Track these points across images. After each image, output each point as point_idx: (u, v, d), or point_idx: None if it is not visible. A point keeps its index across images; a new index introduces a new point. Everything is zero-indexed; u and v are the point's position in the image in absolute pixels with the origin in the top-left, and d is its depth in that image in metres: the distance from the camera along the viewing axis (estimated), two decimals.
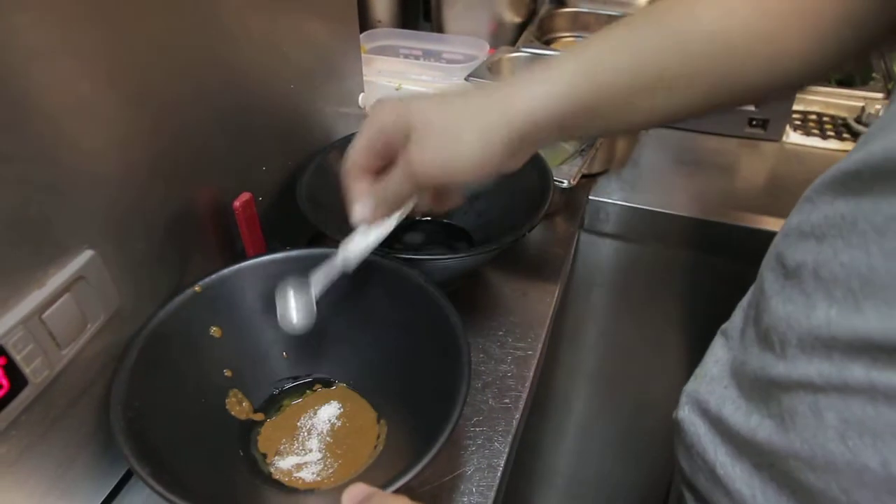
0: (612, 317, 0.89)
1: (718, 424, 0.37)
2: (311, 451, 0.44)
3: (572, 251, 0.69)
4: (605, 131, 0.42)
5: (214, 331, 0.45)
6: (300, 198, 0.54)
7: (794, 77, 0.36)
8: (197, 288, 0.45)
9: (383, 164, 0.40)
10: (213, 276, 0.46)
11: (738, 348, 0.39)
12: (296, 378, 0.49)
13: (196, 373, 0.44)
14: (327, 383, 0.48)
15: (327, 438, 0.45)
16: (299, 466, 0.43)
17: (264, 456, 0.44)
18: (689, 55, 0.36)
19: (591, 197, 0.77)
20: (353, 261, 0.43)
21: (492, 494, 0.44)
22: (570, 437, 1.08)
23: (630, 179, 0.80)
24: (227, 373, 0.45)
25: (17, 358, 0.32)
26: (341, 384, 0.48)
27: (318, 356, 0.49)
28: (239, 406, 0.45)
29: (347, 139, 0.63)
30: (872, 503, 0.27)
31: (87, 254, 0.37)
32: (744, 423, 0.35)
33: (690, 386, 0.42)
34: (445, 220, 0.65)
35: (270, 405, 0.47)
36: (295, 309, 0.44)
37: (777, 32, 0.35)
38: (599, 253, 0.83)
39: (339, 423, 0.46)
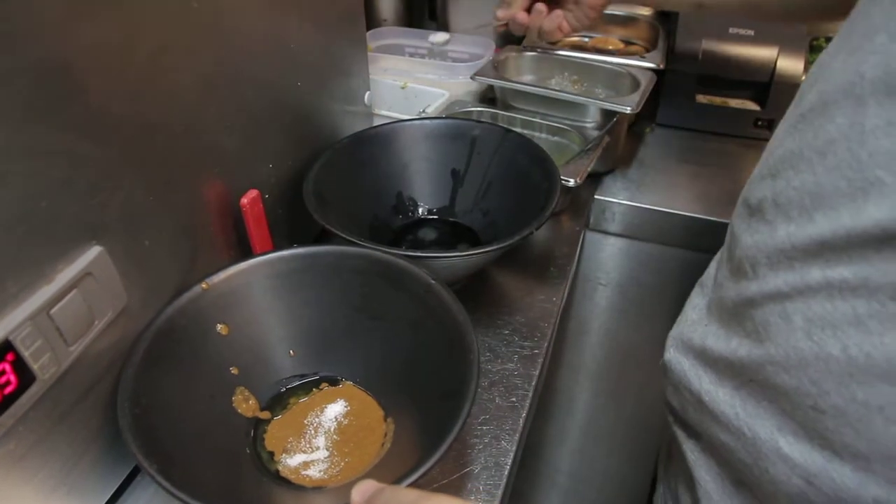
0: (617, 315, 0.89)
1: (702, 356, 0.41)
2: (318, 448, 0.44)
3: (578, 250, 0.69)
4: None
5: (221, 328, 0.45)
6: (307, 194, 0.54)
7: None
8: (204, 285, 0.45)
9: None
10: (221, 274, 0.46)
11: (712, 290, 0.44)
12: (302, 376, 0.48)
13: (203, 370, 0.44)
14: (334, 381, 0.48)
15: (334, 436, 0.45)
16: (306, 464, 0.43)
17: (271, 454, 0.43)
18: None
19: (596, 196, 0.77)
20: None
21: (499, 493, 0.44)
22: (573, 435, 1.08)
23: (635, 179, 0.80)
24: (234, 370, 0.45)
25: (26, 354, 0.32)
26: (348, 382, 0.48)
27: (325, 354, 0.49)
28: (245, 404, 0.45)
29: (354, 137, 0.63)
30: (837, 388, 0.31)
31: (95, 250, 0.36)
32: (725, 347, 0.39)
33: (674, 331, 0.47)
34: (452, 220, 0.65)
35: (277, 403, 0.47)
36: None
37: None
38: (605, 252, 0.83)
39: (346, 422, 0.46)
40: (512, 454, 0.46)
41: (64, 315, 0.35)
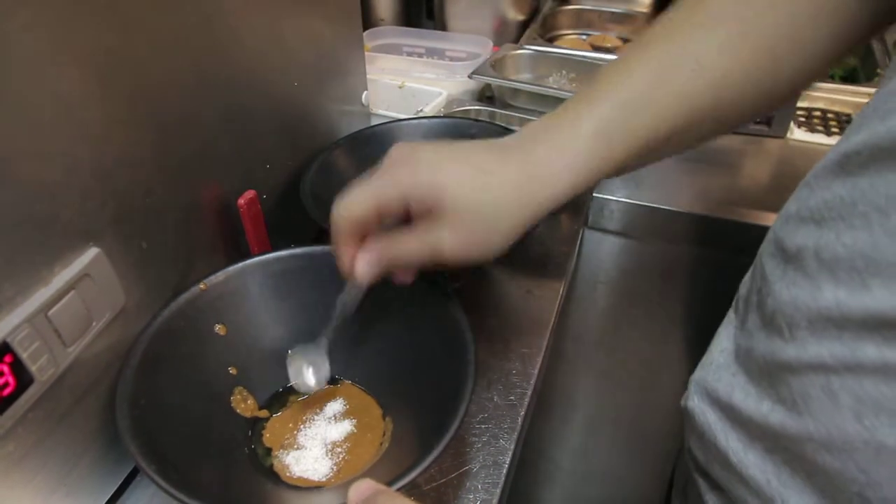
0: (617, 313, 0.89)
1: (729, 412, 0.37)
2: (316, 447, 0.44)
3: (576, 248, 0.69)
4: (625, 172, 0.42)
5: (219, 328, 0.45)
6: (304, 194, 0.54)
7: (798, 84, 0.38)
8: (202, 286, 0.45)
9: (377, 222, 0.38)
10: (219, 274, 0.46)
11: (741, 336, 0.39)
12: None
13: (201, 370, 0.44)
14: (332, 380, 0.48)
15: (333, 435, 0.45)
16: (305, 463, 0.43)
17: (269, 453, 0.44)
18: (696, 108, 0.37)
19: (594, 194, 0.77)
20: (350, 309, 0.42)
21: (497, 491, 0.44)
22: (574, 433, 1.08)
23: (634, 176, 0.80)
24: (232, 370, 0.45)
25: (24, 356, 0.32)
26: (346, 381, 0.48)
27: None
28: (244, 403, 0.45)
29: (351, 137, 0.63)
30: (891, 480, 0.28)
31: (93, 251, 0.37)
32: (755, 409, 0.34)
33: (698, 374, 0.42)
34: None
35: (275, 402, 0.47)
36: (311, 373, 0.46)
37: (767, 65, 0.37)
38: (603, 250, 0.83)
39: (344, 420, 0.46)
40: (510, 452, 0.47)
41: (62, 316, 0.35)
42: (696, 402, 0.41)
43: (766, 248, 0.37)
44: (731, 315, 0.43)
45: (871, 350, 0.28)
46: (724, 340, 0.41)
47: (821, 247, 0.31)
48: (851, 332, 0.28)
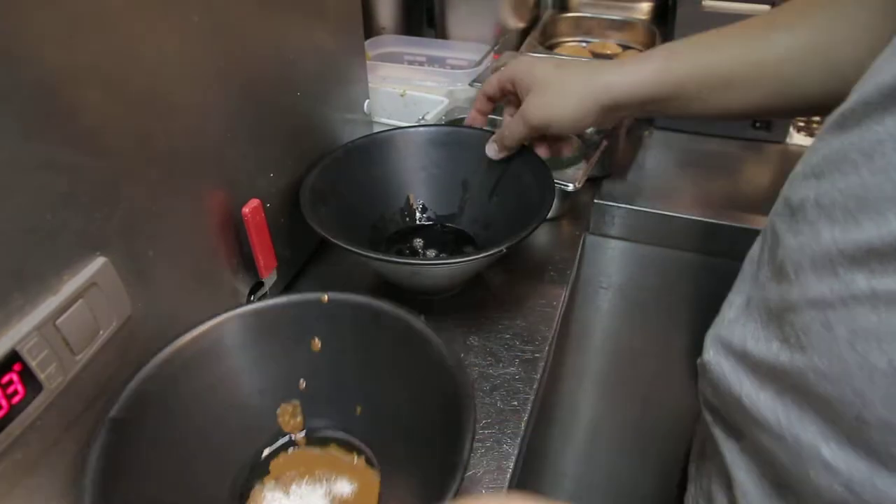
0: (619, 319, 0.89)
1: (742, 358, 0.40)
2: None
3: (578, 254, 0.70)
4: (683, 114, 0.53)
5: (197, 390, 0.42)
6: (304, 205, 0.54)
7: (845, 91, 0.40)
8: (179, 343, 0.42)
9: (499, 100, 0.61)
10: (196, 332, 0.43)
11: (753, 289, 0.42)
12: (284, 434, 0.46)
13: (178, 438, 0.41)
14: (323, 441, 0.46)
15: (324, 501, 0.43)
16: None
17: None
18: (758, 63, 0.48)
19: (596, 200, 0.77)
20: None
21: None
22: (577, 439, 1.08)
23: (635, 182, 0.81)
24: (213, 434, 0.42)
25: (33, 364, 0.33)
26: (333, 444, 0.46)
27: (312, 407, 0.47)
28: (227, 470, 0.43)
29: (348, 146, 0.63)
30: (883, 400, 0.30)
31: (100, 260, 0.37)
32: (766, 351, 0.38)
33: (712, 331, 0.46)
34: (451, 225, 0.66)
35: (261, 468, 0.45)
36: None
37: (832, 52, 0.45)
38: (605, 255, 0.83)
39: (337, 485, 0.43)
40: (514, 457, 0.47)
41: (70, 325, 0.35)
42: (711, 355, 0.44)
43: (775, 210, 0.41)
44: (739, 280, 0.46)
45: (861, 282, 0.31)
46: (733, 296, 0.45)
47: (820, 195, 0.34)
48: (845, 268, 0.32)
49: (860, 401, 0.31)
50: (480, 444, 0.47)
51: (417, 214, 0.67)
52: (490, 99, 0.62)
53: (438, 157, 0.66)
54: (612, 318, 0.90)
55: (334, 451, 0.46)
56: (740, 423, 0.41)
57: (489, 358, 0.54)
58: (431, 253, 0.63)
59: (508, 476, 0.45)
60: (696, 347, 0.87)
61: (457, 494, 0.34)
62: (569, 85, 0.53)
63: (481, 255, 0.49)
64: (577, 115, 0.53)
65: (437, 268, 0.52)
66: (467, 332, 0.56)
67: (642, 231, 0.78)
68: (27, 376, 0.33)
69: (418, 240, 0.65)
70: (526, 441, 0.50)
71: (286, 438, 0.46)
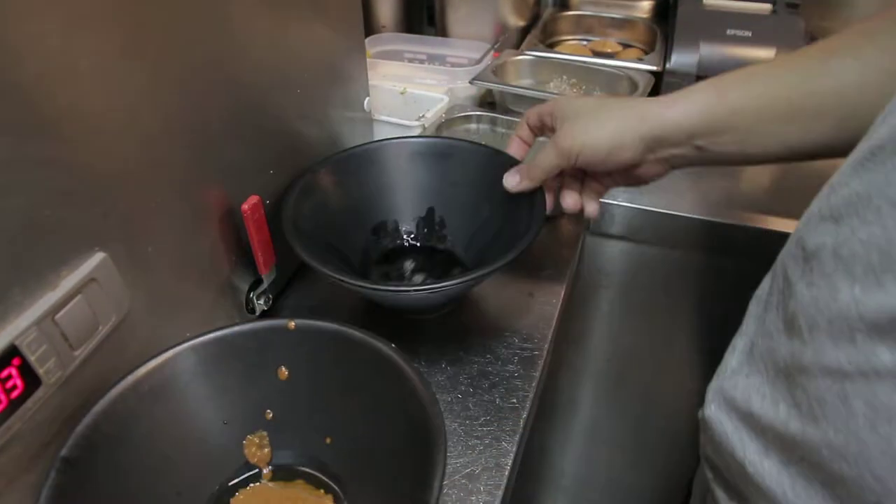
0: (619, 318, 0.89)
1: (748, 419, 0.37)
2: None
3: (578, 253, 0.70)
4: (739, 155, 0.46)
5: (156, 424, 0.40)
6: (286, 223, 0.51)
7: None
8: (134, 378, 0.39)
9: (537, 133, 0.56)
10: (152, 364, 0.40)
11: (759, 336, 0.39)
12: (249, 467, 0.44)
13: (131, 480, 0.39)
14: (290, 474, 0.44)
15: None
16: None
17: None
18: (817, 92, 0.41)
19: None
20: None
21: (499, 493, 0.44)
22: (576, 438, 1.08)
23: None
24: (170, 474, 0.40)
25: (32, 359, 0.33)
26: (301, 475, 0.44)
27: (277, 438, 0.45)
28: None
29: (328, 160, 0.59)
30: None
31: (99, 256, 0.37)
32: (772, 414, 0.34)
33: (714, 383, 0.42)
34: (432, 245, 0.63)
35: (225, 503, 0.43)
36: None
37: None
38: (605, 254, 0.83)
39: None
40: (512, 455, 0.47)
41: (69, 320, 0.35)
42: (713, 411, 0.41)
43: (787, 250, 0.37)
44: (743, 322, 0.43)
45: (884, 355, 0.27)
46: (738, 342, 0.41)
47: (839, 244, 0.30)
48: (865, 335, 0.28)
49: (881, 488, 0.28)
50: (479, 441, 0.48)
51: (400, 231, 0.63)
52: (531, 129, 0.56)
53: (424, 170, 0.62)
54: (611, 316, 0.90)
55: (300, 488, 0.44)
56: (742, 488, 0.38)
57: (488, 355, 0.54)
58: (419, 278, 0.60)
59: (506, 474, 0.45)
60: (696, 346, 0.88)
61: None
62: (607, 111, 0.47)
63: (465, 279, 0.47)
64: (613, 143, 0.46)
65: (420, 293, 0.49)
66: (466, 329, 0.56)
67: (642, 230, 0.78)
68: (26, 371, 0.33)
69: (409, 262, 0.62)
70: (525, 439, 0.50)
71: (254, 471, 0.44)
